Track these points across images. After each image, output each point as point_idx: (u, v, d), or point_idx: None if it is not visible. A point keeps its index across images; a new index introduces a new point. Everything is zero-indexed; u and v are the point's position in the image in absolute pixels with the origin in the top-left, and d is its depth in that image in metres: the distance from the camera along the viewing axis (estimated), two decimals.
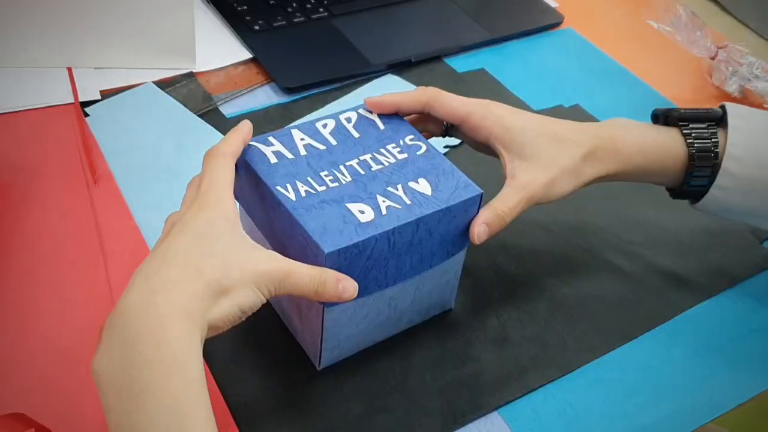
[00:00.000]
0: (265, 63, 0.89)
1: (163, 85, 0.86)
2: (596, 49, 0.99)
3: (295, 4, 0.97)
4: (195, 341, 0.45)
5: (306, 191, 0.54)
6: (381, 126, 0.61)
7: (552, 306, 0.66)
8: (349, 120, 0.62)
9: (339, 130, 0.60)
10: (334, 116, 0.62)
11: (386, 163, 0.58)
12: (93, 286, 0.64)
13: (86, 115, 0.81)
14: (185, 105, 0.83)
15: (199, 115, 0.82)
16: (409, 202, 0.55)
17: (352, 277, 0.52)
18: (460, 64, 0.93)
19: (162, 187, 0.73)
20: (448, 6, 1.02)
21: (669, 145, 0.64)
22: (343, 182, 0.56)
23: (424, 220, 0.54)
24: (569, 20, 1.03)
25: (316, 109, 0.83)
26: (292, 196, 0.54)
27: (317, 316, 0.55)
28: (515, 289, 0.68)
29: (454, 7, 1.01)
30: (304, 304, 0.56)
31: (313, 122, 0.61)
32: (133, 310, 0.45)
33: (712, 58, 0.93)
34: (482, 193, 0.57)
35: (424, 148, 0.60)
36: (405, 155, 0.59)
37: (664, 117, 0.66)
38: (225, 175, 0.52)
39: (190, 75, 0.88)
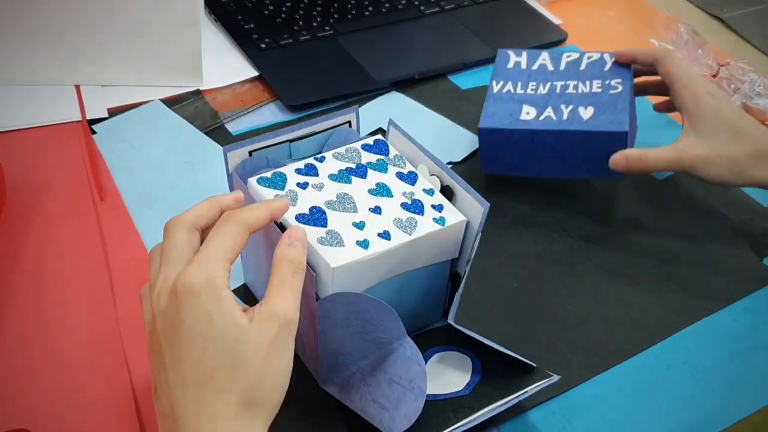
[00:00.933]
0: (271, 81, 0.90)
1: (170, 102, 0.87)
2: None
3: (301, 23, 0.99)
4: None
5: (507, 91, 0.78)
6: (607, 67, 0.79)
7: (552, 324, 0.67)
8: (590, 57, 0.80)
9: (576, 61, 0.80)
10: (581, 52, 0.82)
11: (581, 90, 0.76)
12: (98, 302, 0.65)
13: (93, 132, 0.82)
14: (192, 122, 0.84)
15: (205, 133, 0.83)
16: (565, 118, 0.73)
17: (499, 153, 0.76)
18: (464, 81, 0.94)
19: (168, 204, 0.74)
20: (453, 23, 1.03)
21: None
22: (539, 93, 0.77)
23: (566, 135, 0.73)
24: (573, 37, 1.04)
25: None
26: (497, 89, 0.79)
27: (314, 341, 0.57)
28: (515, 307, 0.68)
29: (458, 24, 1.02)
30: (304, 331, 0.58)
31: (563, 51, 0.83)
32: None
33: (714, 76, 0.94)
34: (626, 132, 0.71)
35: (620, 89, 0.76)
36: (599, 90, 0.76)
37: None
38: (233, 249, 0.48)
39: (197, 93, 0.89)
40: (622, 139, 0.72)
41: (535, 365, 0.59)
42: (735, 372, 0.65)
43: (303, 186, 0.59)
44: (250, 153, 0.66)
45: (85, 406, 0.58)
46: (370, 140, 0.64)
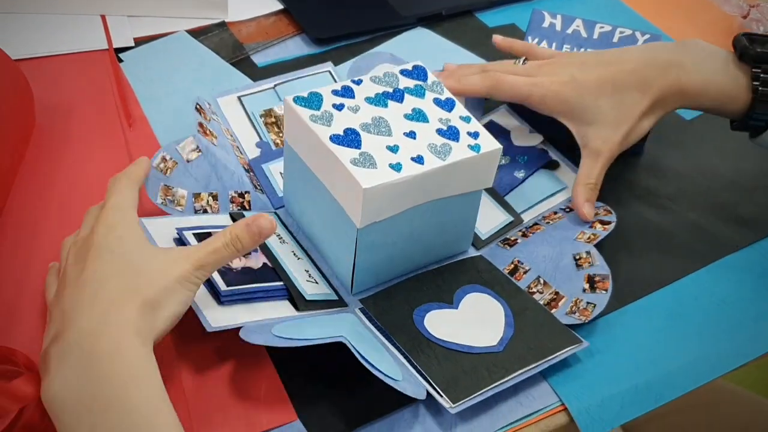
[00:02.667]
0: (296, 14, 0.89)
1: (195, 34, 0.86)
2: (625, 6, 0.98)
3: None
4: (149, 353, 0.48)
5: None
6: (639, 44, 0.80)
7: None
8: (622, 32, 0.82)
9: (608, 33, 0.83)
10: (613, 25, 0.82)
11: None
12: None
13: (120, 60, 0.82)
14: (217, 53, 0.84)
15: (231, 64, 0.83)
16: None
17: (526, 108, 0.69)
18: (491, 18, 0.93)
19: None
20: None
21: (733, 93, 0.65)
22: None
23: None
24: None
25: (346, 60, 0.84)
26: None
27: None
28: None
29: None
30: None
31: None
32: (86, 333, 0.47)
33: (744, 17, 0.92)
34: None
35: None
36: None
37: (740, 51, 0.66)
38: (129, 196, 0.56)
39: (222, 24, 0.88)
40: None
41: (567, 328, 0.60)
42: (762, 305, 0.65)
43: (339, 107, 0.58)
44: (239, 98, 0.68)
45: None
46: (409, 66, 0.63)
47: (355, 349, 0.52)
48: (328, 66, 0.79)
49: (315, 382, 0.56)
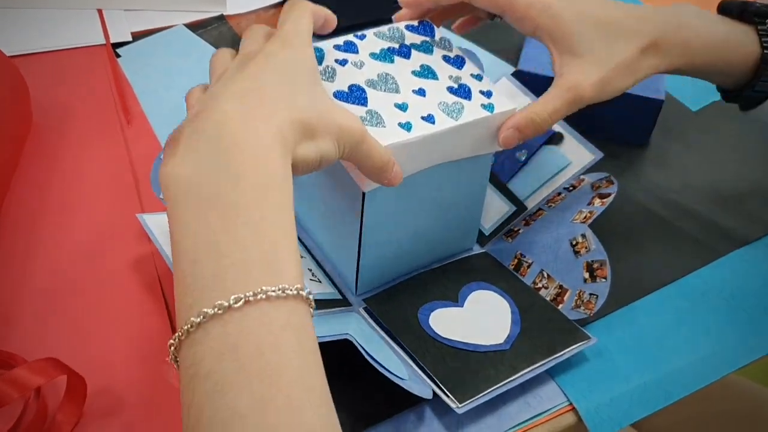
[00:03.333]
0: None
1: (194, 27, 0.85)
2: None
3: None
4: (286, 167, 0.41)
5: None
6: None
7: None
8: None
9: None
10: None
11: None
12: (128, 225, 0.64)
13: (118, 56, 0.80)
14: (216, 47, 0.82)
15: None
16: None
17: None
18: None
19: None
20: None
21: (742, 43, 0.59)
22: None
23: None
24: None
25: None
26: None
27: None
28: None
29: None
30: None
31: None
32: (230, 117, 0.40)
33: None
34: (663, 101, 0.70)
35: None
36: None
37: (738, 10, 0.61)
38: (307, 23, 0.48)
39: (221, 18, 0.87)
40: (657, 107, 0.73)
41: (575, 324, 0.58)
42: None
43: (342, 63, 0.55)
44: None
45: (115, 334, 0.57)
46: (415, 21, 0.61)
47: (361, 347, 0.51)
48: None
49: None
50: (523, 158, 0.68)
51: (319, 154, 0.44)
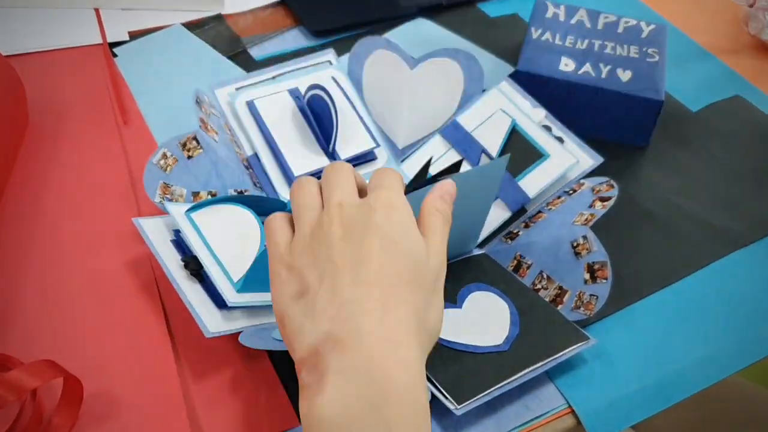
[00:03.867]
0: (294, 5, 0.88)
1: (192, 27, 0.85)
2: None
3: None
4: (426, 394, 0.42)
5: (546, 39, 0.78)
6: (644, 35, 0.80)
7: None
8: (627, 22, 0.81)
9: (613, 24, 0.81)
10: (618, 15, 0.81)
11: (619, 53, 0.77)
12: (125, 227, 0.64)
13: (114, 55, 0.80)
14: (214, 47, 0.82)
15: (228, 58, 0.81)
16: (604, 76, 0.74)
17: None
18: (493, 8, 0.92)
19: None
20: None
21: None
22: (577, 47, 0.78)
23: (603, 93, 0.73)
24: None
25: (346, 52, 0.82)
26: None
27: None
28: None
29: None
30: None
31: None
32: (376, 364, 0.40)
33: (751, 6, 0.91)
34: (662, 101, 0.71)
35: (656, 58, 0.76)
36: (636, 55, 0.76)
37: None
38: (399, 182, 0.48)
39: (219, 17, 0.86)
40: (656, 108, 0.73)
41: (573, 324, 0.58)
42: None
43: None
44: (237, 90, 0.70)
45: (112, 337, 0.57)
46: None
47: None
48: (329, 54, 0.77)
49: None
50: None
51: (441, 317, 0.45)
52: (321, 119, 0.68)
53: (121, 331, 0.57)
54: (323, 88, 0.67)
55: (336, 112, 0.66)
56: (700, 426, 0.88)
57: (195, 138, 0.64)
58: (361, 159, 0.69)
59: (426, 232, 0.46)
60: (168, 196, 0.62)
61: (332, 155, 0.68)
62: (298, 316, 0.43)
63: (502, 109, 0.70)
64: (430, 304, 0.44)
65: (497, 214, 0.67)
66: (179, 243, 0.57)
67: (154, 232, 0.57)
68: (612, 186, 0.64)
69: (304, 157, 0.67)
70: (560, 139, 0.69)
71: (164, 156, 0.63)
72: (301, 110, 0.70)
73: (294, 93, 0.71)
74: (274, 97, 0.70)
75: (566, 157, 0.67)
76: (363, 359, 0.40)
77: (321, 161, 0.68)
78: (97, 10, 0.84)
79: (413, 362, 0.41)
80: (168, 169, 0.62)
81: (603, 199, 0.63)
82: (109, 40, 0.81)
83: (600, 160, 0.67)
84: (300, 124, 0.69)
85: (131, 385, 0.54)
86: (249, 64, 0.81)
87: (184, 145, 0.64)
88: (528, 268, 0.62)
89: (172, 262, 0.57)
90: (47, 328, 0.57)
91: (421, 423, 0.40)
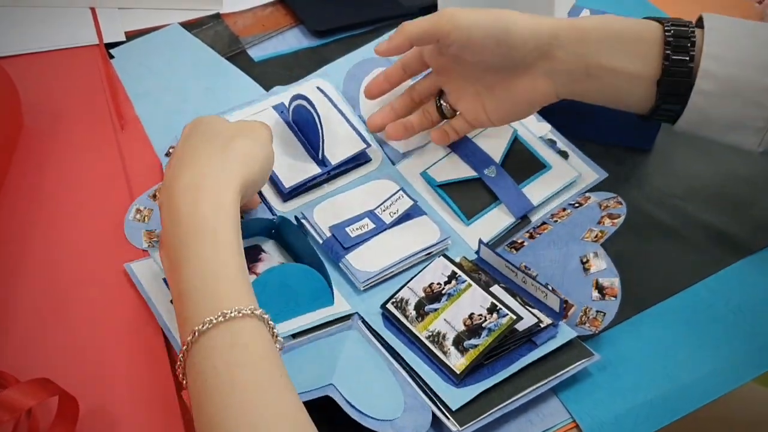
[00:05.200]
0: (294, 5, 0.86)
1: (190, 26, 0.83)
2: None
3: None
4: (229, 211, 0.51)
5: None
6: None
7: None
8: None
9: None
10: None
11: None
12: (121, 236, 0.63)
13: (111, 56, 0.79)
14: (212, 47, 0.81)
15: (227, 58, 0.80)
16: None
17: None
18: None
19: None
20: None
21: (643, 28, 0.60)
22: None
23: None
24: None
25: (347, 52, 0.81)
26: None
27: None
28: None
29: None
30: None
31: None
32: (177, 194, 0.51)
33: (760, 2, 0.89)
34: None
35: None
36: None
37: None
38: None
39: (217, 16, 0.85)
40: None
41: (577, 338, 0.57)
42: None
43: None
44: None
45: (109, 352, 0.56)
46: None
47: (344, 398, 0.51)
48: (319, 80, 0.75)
49: (314, 406, 0.54)
50: (493, 174, 0.67)
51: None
52: (307, 128, 0.67)
53: (117, 346, 0.56)
54: (305, 98, 0.66)
55: (319, 118, 0.66)
56: (703, 429, 0.87)
57: None
58: (355, 161, 0.68)
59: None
60: (155, 239, 0.63)
61: (323, 162, 0.67)
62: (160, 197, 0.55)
63: None
64: (236, 141, 0.55)
65: (501, 219, 0.66)
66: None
67: (145, 275, 0.59)
68: (620, 203, 0.63)
69: (293, 168, 0.67)
70: (564, 154, 0.68)
71: (138, 211, 0.64)
72: (287, 123, 0.69)
73: (279, 108, 0.70)
74: (260, 115, 0.70)
75: (568, 170, 0.67)
76: (167, 195, 0.52)
77: (312, 169, 0.67)
78: (93, 10, 0.83)
79: (200, 175, 0.52)
80: (145, 220, 0.64)
81: (612, 216, 0.62)
82: (106, 40, 0.80)
83: (604, 174, 0.66)
84: (288, 138, 0.69)
85: (128, 400, 0.53)
86: (248, 65, 0.79)
87: (154, 196, 0.65)
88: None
89: (161, 303, 0.57)
90: (42, 342, 0.56)
91: (205, 228, 0.49)
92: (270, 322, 0.48)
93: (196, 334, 0.46)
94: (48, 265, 0.61)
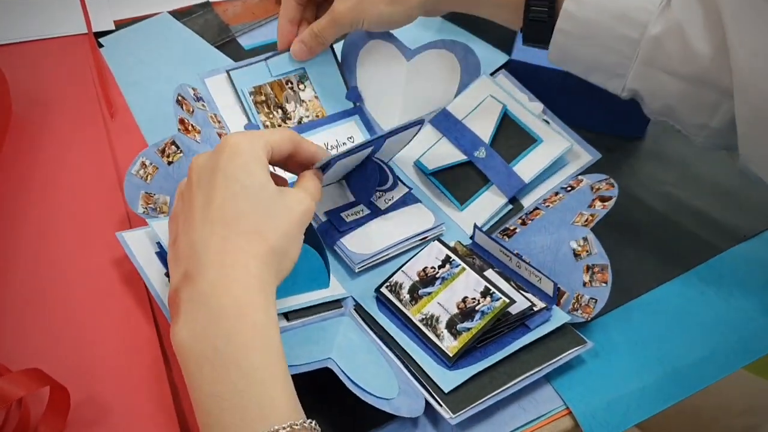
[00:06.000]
0: None
1: (179, 15, 0.83)
2: None
3: None
4: (271, 310, 0.46)
5: None
6: None
7: None
8: None
9: None
10: None
11: None
12: (112, 225, 0.62)
13: (100, 45, 0.78)
14: (202, 36, 0.80)
15: (216, 47, 0.79)
16: None
17: (525, 88, 0.69)
18: None
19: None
20: None
21: None
22: None
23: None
24: None
25: (339, 41, 0.80)
26: None
27: None
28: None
29: None
30: None
31: None
32: (214, 285, 0.46)
33: None
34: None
35: None
36: None
37: None
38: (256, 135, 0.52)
39: (207, 5, 0.84)
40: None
41: (569, 324, 0.57)
42: None
43: None
44: (228, 74, 0.68)
45: (100, 342, 0.55)
46: None
47: (342, 372, 0.50)
48: None
49: (311, 393, 0.54)
50: (483, 156, 0.67)
51: (293, 261, 0.50)
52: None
53: (109, 336, 0.56)
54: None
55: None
56: (698, 417, 0.88)
57: (174, 143, 0.62)
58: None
59: (304, 176, 0.54)
60: (151, 205, 0.60)
61: None
62: (171, 264, 0.49)
63: (492, 95, 0.69)
64: (287, 236, 0.49)
65: (493, 201, 0.65)
66: (163, 255, 0.56)
67: (137, 246, 0.57)
68: (612, 185, 0.63)
69: None
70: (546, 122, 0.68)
71: (143, 165, 0.61)
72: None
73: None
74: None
75: (560, 141, 0.66)
76: (205, 285, 0.45)
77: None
78: None
79: (251, 280, 0.46)
80: (148, 178, 0.61)
81: (603, 199, 0.62)
82: (95, 29, 0.79)
83: (598, 156, 0.66)
84: None
85: (120, 389, 0.52)
86: (238, 54, 0.79)
87: (162, 151, 0.62)
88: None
89: (155, 276, 0.56)
90: (33, 331, 0.55)
91: (257, 335, 0.45)
92: (316, 429, 0.45)
93: None
94: (37, 254, 0.60)
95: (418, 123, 0.62)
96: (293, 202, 0.50)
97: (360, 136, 0.70)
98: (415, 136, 0.65)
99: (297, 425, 0.43)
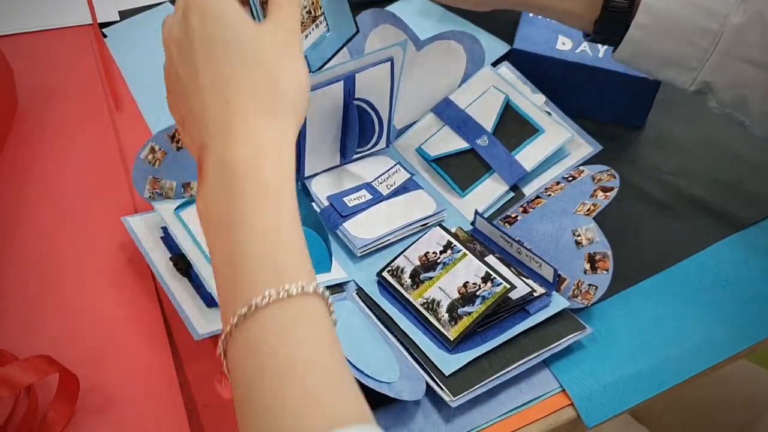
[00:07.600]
0: None
1: None
2: None
3: None
4: (289, 172, 0.45)
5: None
6: None
7: None
8: None
9: None
10: None
11: None
12: (118, 215, 0.63)
13: (104, 36, 0.79)
14: None
15: None
16: (601, 56, 0.73)
17: (528, 78, 0.69)
18: None
19: None
20: None
21: None
22: None
23: (600, 73, 0.71)
24: None
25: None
26: None
27: None
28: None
29: None
30: None
31: None
32: (226, 146, 0.44)
33: None
34: (660, 81, 0.65)
35: None
36: None
37: None
38: None
39: None
40: (654, 87, 0.72)
41: (569, 311, 0.58)
42: (767, 286, 0.64)
43: None
44: None
45: (107, 329, 0.56)
46: None
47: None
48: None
49: None
50: (485, 144, 0.67)
51: (306, 102, 0.47)
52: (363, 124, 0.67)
53: (116, 320, 0.57)
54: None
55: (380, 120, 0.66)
56: (696, 407, 0.88)
57: None
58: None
59: (271, 7, 0.48)
60: (158, 190, 0.61)
61: (343, 154, 0.67)
62: (188, 146, 0.48)
63: (495, 86, 0.70)
64: (280, 72, 0.46)
65: (495, 188, 0.66)
66: (168, 240, 0.57)
67: (143, 230, 0.57)
68: (613, 176, 0.64)
69: (316, 157, 0.66)
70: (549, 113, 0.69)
71: (152, 150, 0.62)
72: (347, 105, 0.66)
73: (349, 82, 0.66)
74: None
75: (561, 131, 0.67)
76: (217, 149, 0.44)
77: (332, 160, 0.67)
78: None
79: (254, 132, 0.44)
80: (157, 163, 0.61)
81: (605, 189, 0.62)
82: (99, 20, 0.80)
83: (599, 147, 0.67)
84: (333, 117, 0.66)
85: (128, 377, 0.53)
86: None
87: (172, 137, 0.62)
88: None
89: (160, 261, 0.56)
90: (41, 320, 0.56)
91: (268, 191, 0.44)
92: (329, 299, 0.43)
93: (254, 306, 0.40)
94: (43, 244, 0.61)
95: (354, 33, 0.56)
96: (271, 36, 0.47)
97: None
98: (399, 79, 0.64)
99: (310, 287, 0.42)
